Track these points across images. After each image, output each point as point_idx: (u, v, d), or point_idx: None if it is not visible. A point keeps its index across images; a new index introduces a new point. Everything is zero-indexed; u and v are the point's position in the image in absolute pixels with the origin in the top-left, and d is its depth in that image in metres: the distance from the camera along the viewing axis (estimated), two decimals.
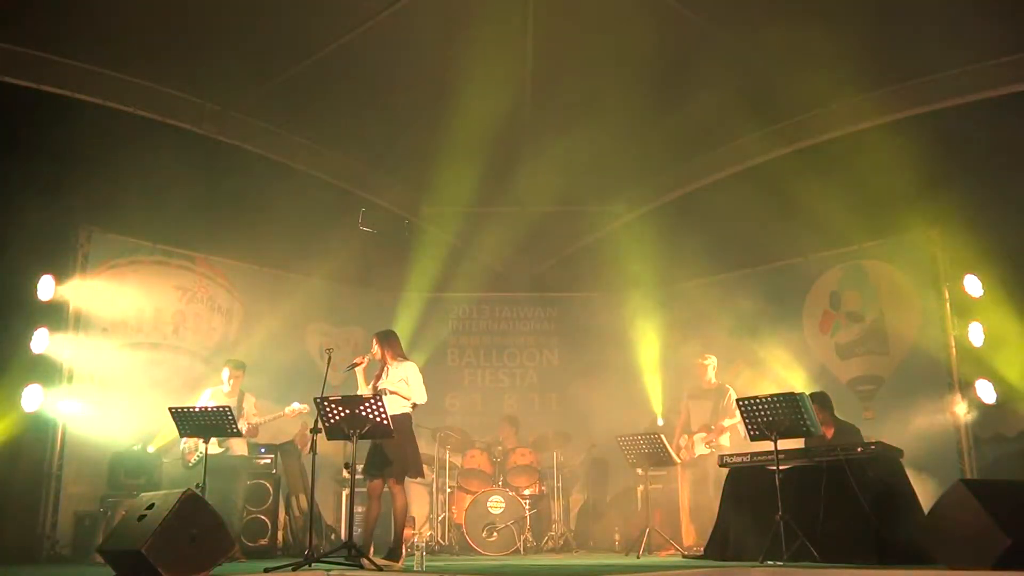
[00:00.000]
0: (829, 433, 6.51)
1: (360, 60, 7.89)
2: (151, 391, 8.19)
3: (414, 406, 6.32)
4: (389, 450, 6.03)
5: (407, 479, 6.30)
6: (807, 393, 5.84)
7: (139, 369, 8.34)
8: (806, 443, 6.20)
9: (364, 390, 6.32)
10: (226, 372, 7.75)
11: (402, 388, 6.23)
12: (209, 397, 7.53)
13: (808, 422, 5.65)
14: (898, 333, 8.38)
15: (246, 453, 7.75)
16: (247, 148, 8.88)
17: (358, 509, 7.43)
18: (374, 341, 6.47)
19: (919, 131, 7.74)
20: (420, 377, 6.39)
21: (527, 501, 8.61)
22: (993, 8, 6.73)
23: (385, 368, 6.40)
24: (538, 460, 8.97)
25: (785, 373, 8.74)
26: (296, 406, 7.38)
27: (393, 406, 5.99)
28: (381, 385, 6.28)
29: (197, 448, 7.42)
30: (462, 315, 10.67)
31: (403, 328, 9.53)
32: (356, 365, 6.34)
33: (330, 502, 9.12)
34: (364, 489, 6.50)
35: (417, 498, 9.77)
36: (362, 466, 6.24)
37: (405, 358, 6.52)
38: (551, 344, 11.11)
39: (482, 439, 9.38)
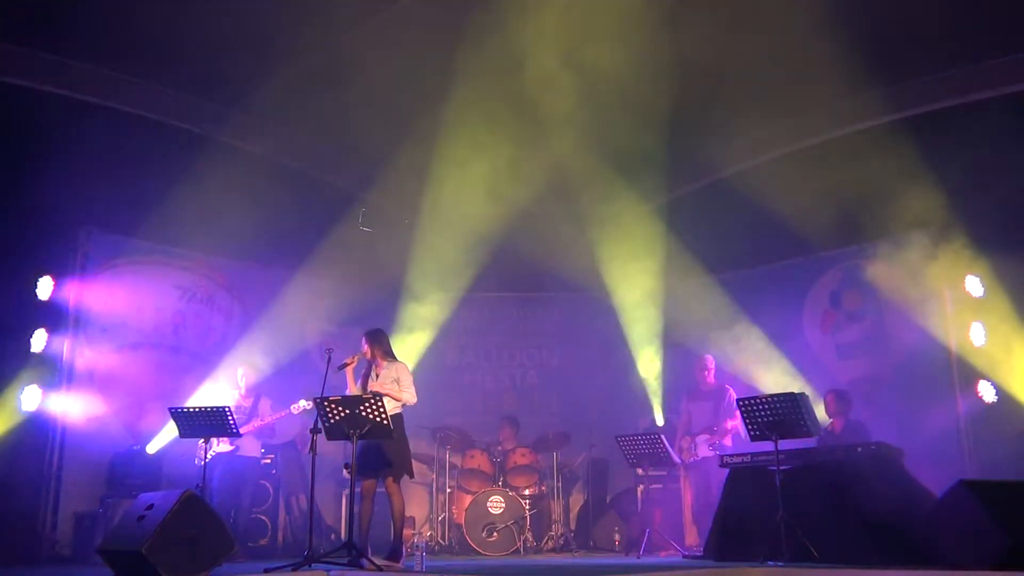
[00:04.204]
0: (839, 426, 7.19)
1: (364, 60, 7.88)
2: (151, 391, 8.19)
3: (402, 406, 6.31)
4: (384, 450, 6.00)
5: (403, 479, 6.29)
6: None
7: (139, 369, 8.34)
8: (818, 440, 6.30)
9: (353, 390, 6.30)
10: (240, 373, 7.76)
11: (393, 388, 6.22)
12: (228, 399, 7.53)
13: (808, 422, 5.66)
14: (898, 333, 8.38)
15: (256, 454, 7.76)
16: (247, 148, 8.88)
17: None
18: (363, 340, 6.45)
19: (920, 130, 7.75)
20: (411, 378, 6.39)
21: (527, 501, 8.61)
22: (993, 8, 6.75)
23: (375, 368, 6.38)
24: (538, 460, 8.97)
25: (785, 373, 8.73)
26: (302, 403, 7.38)
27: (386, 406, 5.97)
28: (373, 386, 6.24)
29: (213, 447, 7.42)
30: (462, 315, 10.65)
31: (403, 328, 9.55)
32: (347, 365, 6.29)
33: (330, 502, 9.12)
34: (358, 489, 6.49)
35: (417, 498, 9.77)
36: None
37: (395, 358, 6.50)
38: (551, 344, 11.11)
39: (482, 439, 9.38)
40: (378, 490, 6.18)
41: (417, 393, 6.39)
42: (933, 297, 8.03)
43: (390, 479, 6.09)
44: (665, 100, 7.95)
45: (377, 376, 6.32)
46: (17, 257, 7.44)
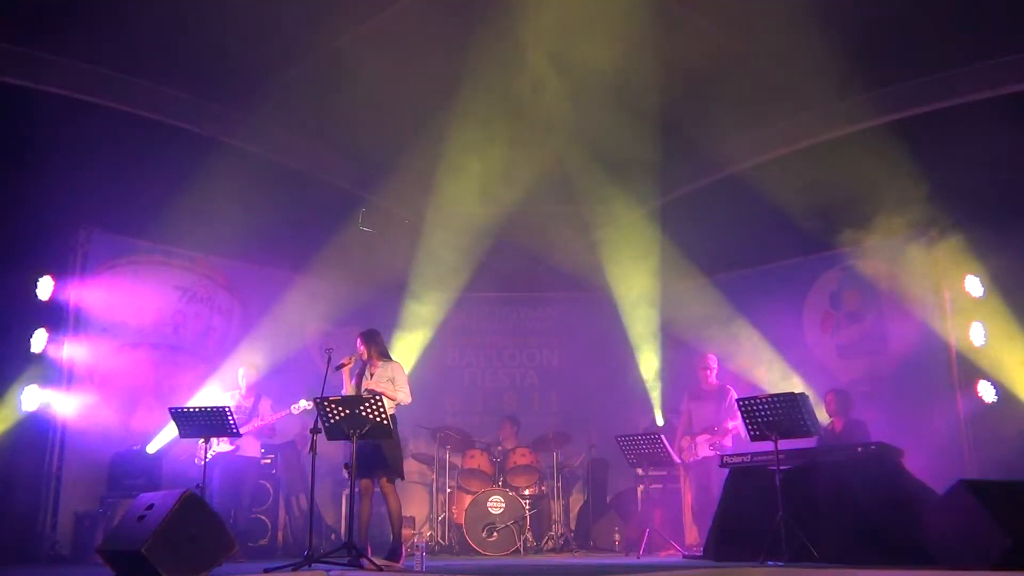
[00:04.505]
0: (839, 426, 7.24)
1: (364, 60, 7.88)
2: (151, 391, 8.19)
3: (396, 406, 6.30)
4: (380, 451, 5.97)
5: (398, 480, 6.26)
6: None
7: (139, 369, 8.34)
8: (819, 440, 6.37)
9: (349, 390, 6.30)
10: (241, 374, 7.76)
11: (388, 388, 6.22)
12: (228, 399, 7.53)
13: (808, 422, 5.66)
14: (898, 333, 8.38)
15: (256, 454, 7.75)
16: (247, 148, 8.88)
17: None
18: (359, 340, 6.45)
19: (917, 131, 7.75)
20: (406, 377, 6.39)
21: (527, 501, 8.61)
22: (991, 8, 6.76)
23: (369, 367, 6.38)
24: (538, 460, 8.97)
25: (785, 373, 8.73)
26: (302, 403, 7.38)
27: None
28: (368, 385, 6.24)
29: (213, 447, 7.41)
30: (462, 315, 10.67)
31: (403, 328, 9.55)
32: (343, 366, 6.29)
33: (330, 502, 9.12)
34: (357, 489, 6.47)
35: (417, 498, 9.78)
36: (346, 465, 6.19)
37: (390, 358, 6.51)
38: (551, 344, 11.11)
39: (482, 439, 9.38)
40: (375, 490, 6.18)
41: (416, 393, 6.40)
42: (933, 297, 8.03)
43: (384, 479, 6.08)
44: (664, 101, 7.96)
45: (372, 376, 6.33)
46: (17, 257, 7.43)
